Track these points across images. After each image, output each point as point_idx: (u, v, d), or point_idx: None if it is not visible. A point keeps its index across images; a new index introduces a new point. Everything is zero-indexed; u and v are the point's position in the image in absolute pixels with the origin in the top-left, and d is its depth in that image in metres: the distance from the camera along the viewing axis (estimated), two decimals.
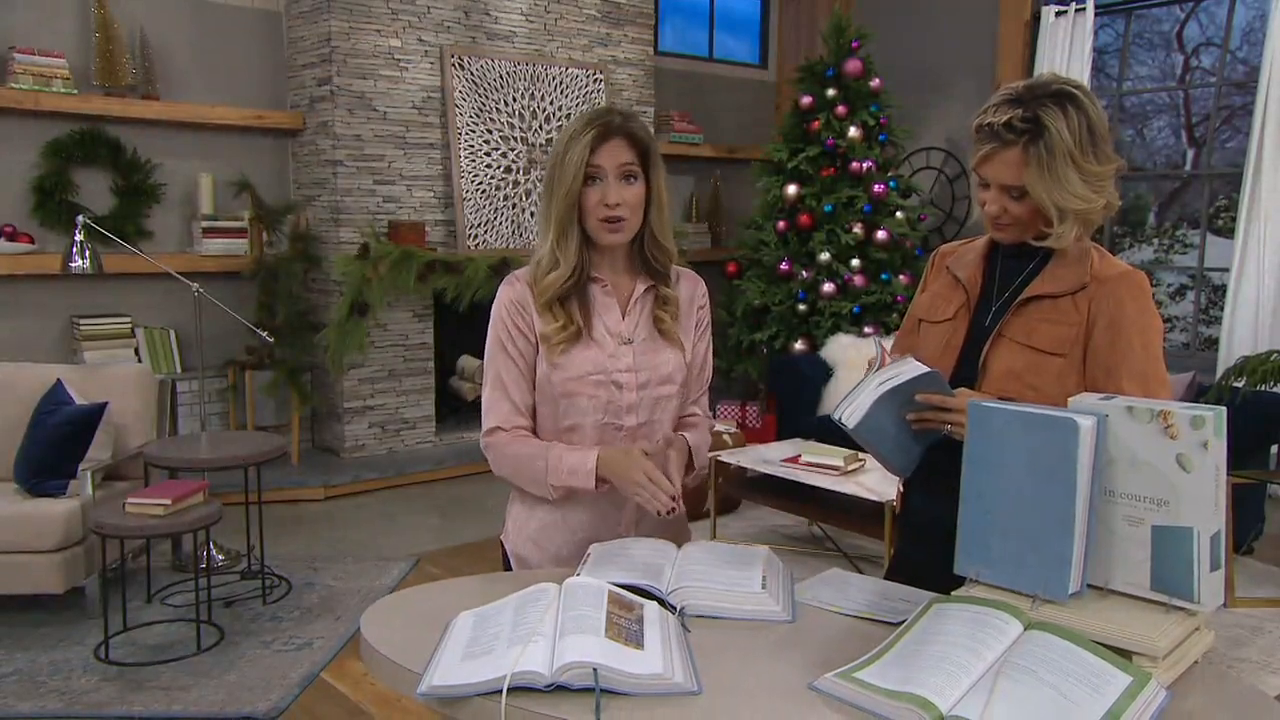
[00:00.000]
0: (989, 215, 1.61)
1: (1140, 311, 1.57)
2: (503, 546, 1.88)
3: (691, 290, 1.86)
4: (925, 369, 1.52)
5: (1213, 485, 1.21)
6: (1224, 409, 1.22)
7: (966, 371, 1.64)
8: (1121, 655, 1.17)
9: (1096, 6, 6.05)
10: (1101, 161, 1.53)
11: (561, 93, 6.09)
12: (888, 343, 1.62)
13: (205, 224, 5.26)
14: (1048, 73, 1.66)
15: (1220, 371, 4.91)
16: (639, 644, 1.22)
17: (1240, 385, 4.04)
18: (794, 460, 4.07)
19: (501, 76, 5.84)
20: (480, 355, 1.92)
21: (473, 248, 5.69)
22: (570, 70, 6.13)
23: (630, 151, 1.69)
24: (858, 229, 6.03)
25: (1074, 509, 1.24)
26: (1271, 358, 3.98)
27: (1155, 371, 1.56)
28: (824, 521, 4.34)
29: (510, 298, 1.76)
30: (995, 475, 1.30)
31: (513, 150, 5.90)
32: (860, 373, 1.58)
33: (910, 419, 1.56)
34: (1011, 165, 1.53)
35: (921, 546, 1.72)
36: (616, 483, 1.65)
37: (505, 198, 5.87)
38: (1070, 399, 1.34)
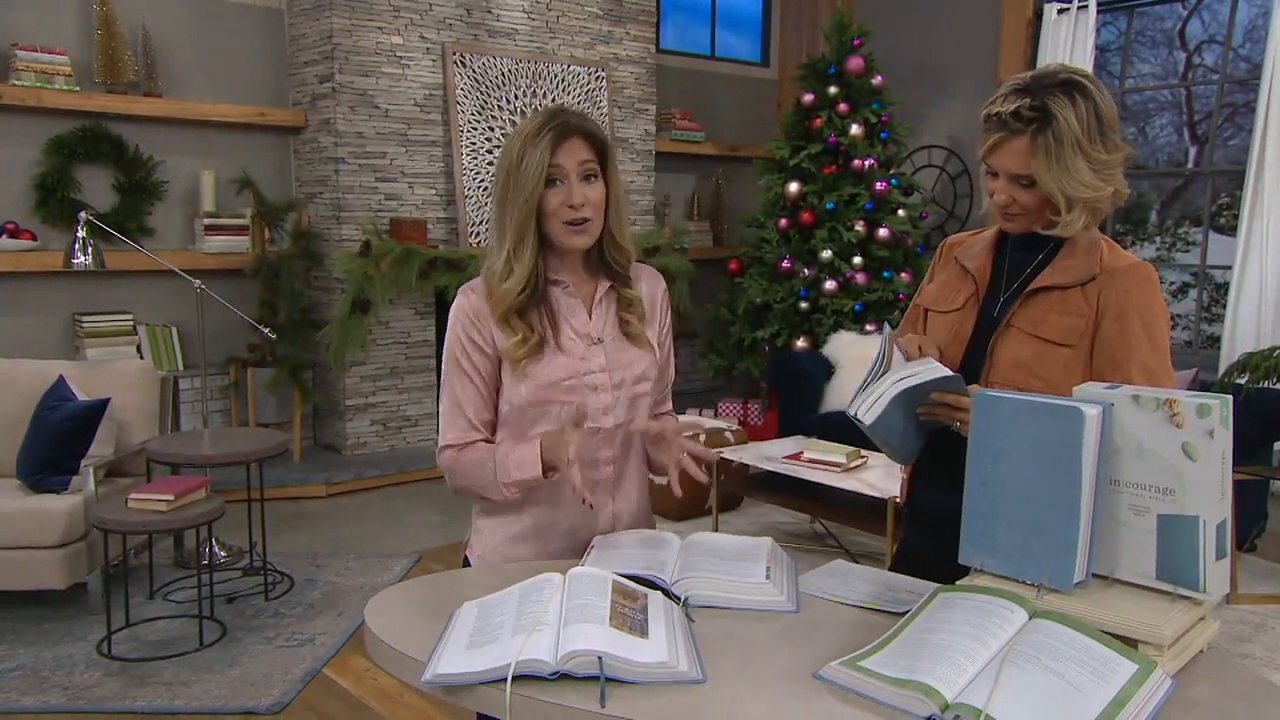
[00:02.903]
0: (998, 205, 1.61)
1: (1148, 304, 1.57)
2: (465, 561, 1.79)
3: (654, 288, 1.79)
4: (947, 372, 1.51)
5: (1218, 474, 1.21)
6: (1229, 397, 1.21)
7: (974, 362, 1.64)
8: (1127, 644, 1.16)
9: (1098, 4, 6.05)
10: (1110, 150, 1.53)
11: (563, 90, 6.09)
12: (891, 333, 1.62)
13: (207, 221, 5.26)
14: (1056, 63, 1.66)
15: (1223, 369, 4.91)
16: (643, 633, 1.22)
17: (1243, 382, 4.03)
18: (796, 457, 4.07)
19: (503, 74, 5.84)
20: None
21: (474, 245, 5.69)
22: (572, 68, 6.13)
23: (589, 150, 1.62)
24: (859, 227, 6.03)
25: (1079, 498, 1.24)
26: (1274, 354, 3.98)
27: (1162, 364, 1.55)
28: (826, 518, 4.34)
29: (465, 311, 1.68)
30: (1000, 464, 1.30)
31: None
32: (863, 370, 1.58)
33: (919, 412, 1.56)
34: (1019, 154, 1.53)
35: (926, 538, 1.72)
36: (548, 453, 1.60)
37: None
38: (1075, 388, 1.34)
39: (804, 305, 6.11)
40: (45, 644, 3.29)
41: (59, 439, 3.61)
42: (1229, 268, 5.59)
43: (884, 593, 1.47)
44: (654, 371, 1.74)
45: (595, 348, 1.68)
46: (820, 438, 4.51)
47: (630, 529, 1.74)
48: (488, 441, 1.70)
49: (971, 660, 1.12)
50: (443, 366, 1.72)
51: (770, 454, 4.21)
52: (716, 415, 6.41)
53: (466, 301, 1.69)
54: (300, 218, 5.42)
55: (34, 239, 4.83)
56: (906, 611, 1.31)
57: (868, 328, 5.86)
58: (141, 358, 5.00)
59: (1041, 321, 1.59)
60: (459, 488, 1.72)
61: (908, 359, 1.58)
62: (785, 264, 6.15)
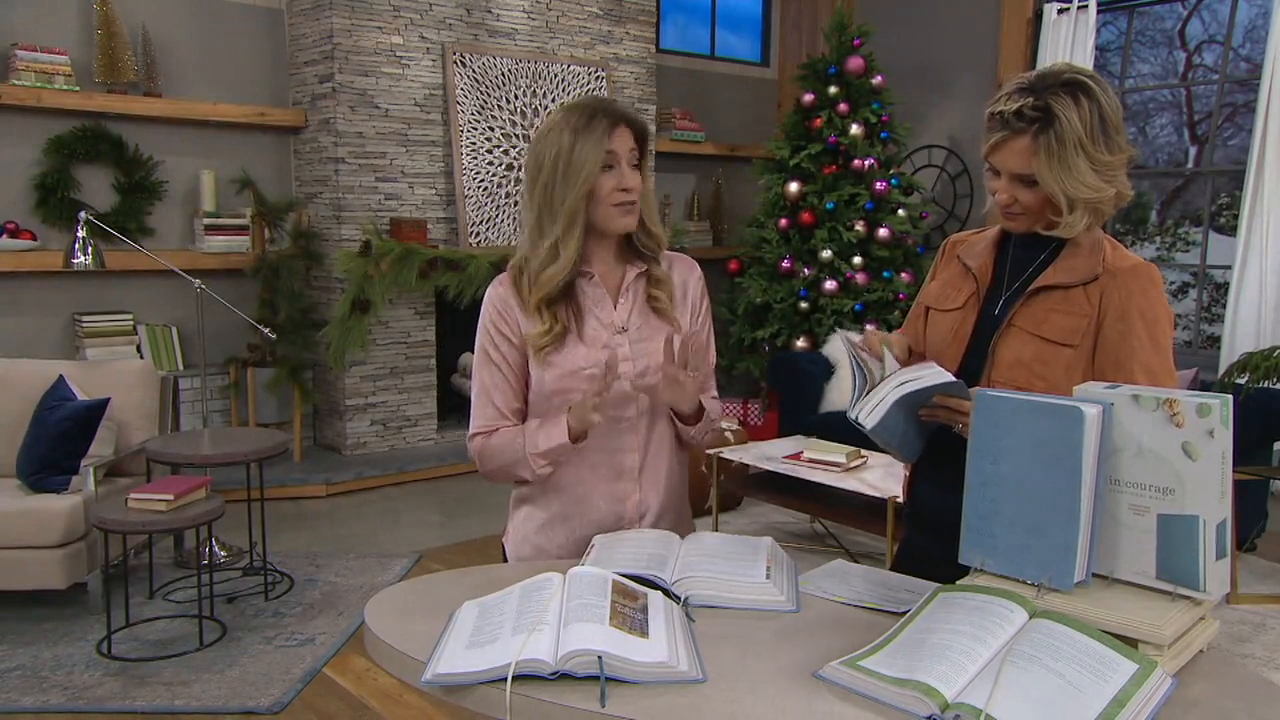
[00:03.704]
0: (1000, 204, 1.61)
1: (1151, 305, 1.57)
2: (503, 548, 1.86)
3: (686, 275, 1.83)
4: (949, 377, 1.50)
5: (1218, 473, 1.21)
6: (1229, 396, 1.21)
7: (975, 361, 1.64)
8: (1127, 643, 1.16)
9: (1098, 4, 6.04)
10: (1113, 151, 1.53)
11: (563, 90, 6.09)
12: (855, 336, 1.62)
13: (207, 221, 5.26)
14: (1061, 62, 1.65)
15: (1223, 369, 4.90)
16: (644, 632, 1.22)
17: (1243, 382, 4.03)
18: (796, 457, 4.07)
19: (503, 74, 5.84)
20: None
21: (474, 245, 5.69)
22: (572, 67, 6.13)
23: (633, 138, 1.70)
24: (859, 226, 6.04)
25: (1079, 497, 1.24)
26: (1274, 354, 3.98)
27: (1164, 366, 1.55)
28: (826, 518, 4.34)
29: (493, 302, 1.74)
30: (1000, 464, 1.30)
31: (514, 147, 5.90)
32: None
33: (921, 414, 1.56)
34: (1021, 154, 1.53)
35: (928, 536, 1.72)
36: (572, 420, 1.65)
37: (507, 195, 5.87)
38: (1076, 388, 1.34)
39: (804, 305, 6.11)
40: (45, 644, 3.29)
41: (59, 439, 3.61)
42: (1229, 268, 5.59)
43: (884, 593, 1.47)
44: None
45: (620, 337, 1.73)
46: (820, 438, 4.51)
47: (662, 520, 1.78)
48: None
49: (972, 660, 1.12)
50: (474, 358, 1.77)
51: (770, 454, 4.20)
52: None
53: (495, 293, 1.75)
54: (300, 217, 5.41)
55: (34, 239, 4.82)
56: (906, 611, 1.31)
57: (868, 328, 5.84)
58: (141, 358, 5.00)
59: (1043, 321, 1.59)
60: (490, 470, 1.77)
61: (870, 355, 1.58)
62: (785, 264, 6.15)
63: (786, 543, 4.42)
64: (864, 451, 4.05)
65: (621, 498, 1.75)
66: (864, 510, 3.82)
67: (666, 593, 1.39)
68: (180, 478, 3.56)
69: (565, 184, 1.65)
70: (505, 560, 1.85)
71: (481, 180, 5.77)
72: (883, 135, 6.24)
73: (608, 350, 1.71)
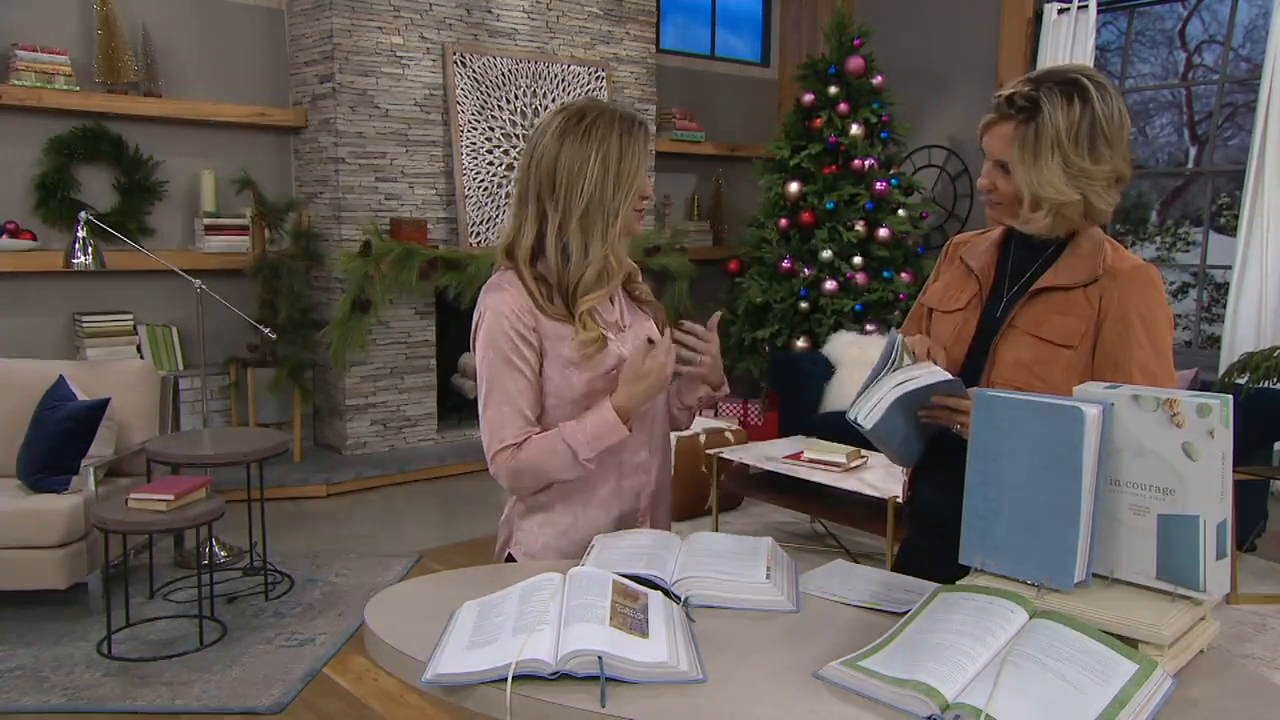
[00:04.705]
0: (981, 187, 1.65)
1: (1151, 308, 1.57)
2: (510, 559, 1.83)
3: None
4: (946, 376, 1.50)
5: (1219, 474, 1.21)
6: (1230, 397, 1.21)
7: (977, 362, 1.64)
8: (1127, 644, 1.16)
9: (1098, 4, 6.04)
10: (1096, 160, 1.52)
11: (563, 90, 6.09)
12: (910, 340, 1.63)
13: (207, 221, 5.26)
14: (1081, 64, 1.69)
15: (1223, 369, 4.90)
16: (644, 633, 1.22)
17: (1243, 382, 4.03)
18: (796, 457, 4.07)
19: (503, 74, 5.84)
20: None
21: (475, 245, 5.69)
22: (572, 68, 6.13)
23: None
24: (860, 227, 6.04)
25: (1079, 498, 1.24)
26: (1275, 354, 3.97)
27: (1164, 368, 1.55)
28: (826, 518, 4.34)
29: (510, 306, 1.67)
30: (1001, 464, 1.30)
31: (515, 148, 5.90)
32: (863, 370, 1.58)
33: (920, 415, 1.56)
34: (1002, 139, 1.56)
35: (929, 536, 1.72)
36: (643, 393, 1.65)
37: (507, 195, 5.88)
38: (1076, 388, 1.34)
39: (804, 305, 6.11)
40: (45, 644, 3.29)
41: (59, 439, 3.61)
42: (1229, 268, 5.59)
43: (884, 593, 1.47)
44: None
45: (624, 334, 1.77)
46: (820, 438, 4.51)
47: (660, 504, 1.84)
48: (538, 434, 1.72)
49: (972, 660, 1.12)
50: (486, 366, 1.69)
51: (770, 454, 4.20)
52: (716, 415, 6.41)
53: (509, 297, 1.68)
54: (300, 217, 5.41)
55: (34, 239, 4.82)
56: (906, 611, 1.31)
57: (868, 327, 5.85)
58: (142, 358, 5.00)
59: (1043, 322, 1.59)
60: (525, 485, 1.72)
61: (915, 361, 1.58)
62: (785, 264, 6.15)
63: (786, 543, 4.42)
64: (864, 451, 4.05)
65: (639, 490, 1.79)
66: (864, 510, 3.82)
67: (666, 593, 1.39)
68: (180, 478, 3.56)
69: (617, 191, 1.65)
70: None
71: (482, 180, 5.77)
72: (883, 135, 6.24)
73: (621, 347, 1.73)
